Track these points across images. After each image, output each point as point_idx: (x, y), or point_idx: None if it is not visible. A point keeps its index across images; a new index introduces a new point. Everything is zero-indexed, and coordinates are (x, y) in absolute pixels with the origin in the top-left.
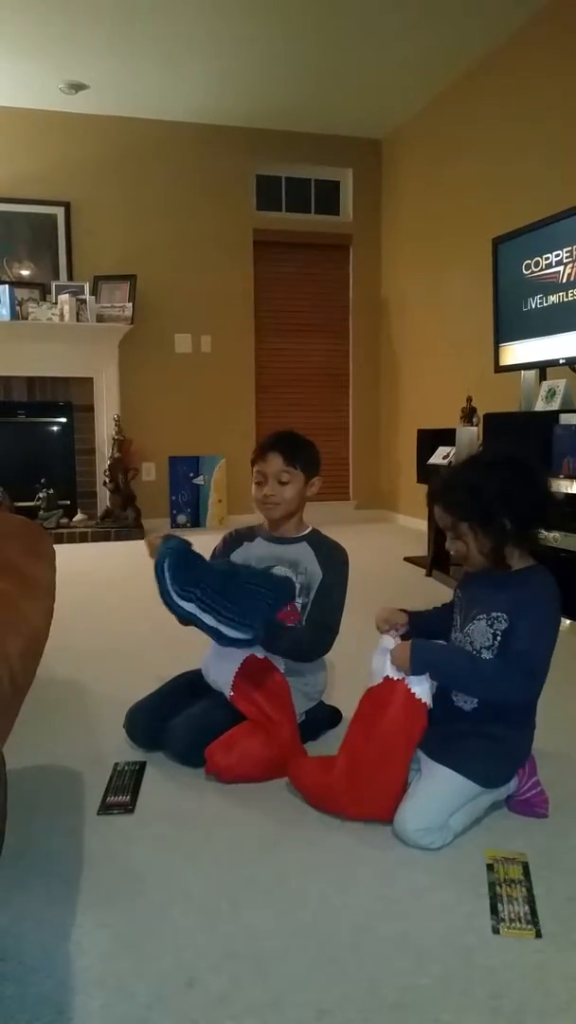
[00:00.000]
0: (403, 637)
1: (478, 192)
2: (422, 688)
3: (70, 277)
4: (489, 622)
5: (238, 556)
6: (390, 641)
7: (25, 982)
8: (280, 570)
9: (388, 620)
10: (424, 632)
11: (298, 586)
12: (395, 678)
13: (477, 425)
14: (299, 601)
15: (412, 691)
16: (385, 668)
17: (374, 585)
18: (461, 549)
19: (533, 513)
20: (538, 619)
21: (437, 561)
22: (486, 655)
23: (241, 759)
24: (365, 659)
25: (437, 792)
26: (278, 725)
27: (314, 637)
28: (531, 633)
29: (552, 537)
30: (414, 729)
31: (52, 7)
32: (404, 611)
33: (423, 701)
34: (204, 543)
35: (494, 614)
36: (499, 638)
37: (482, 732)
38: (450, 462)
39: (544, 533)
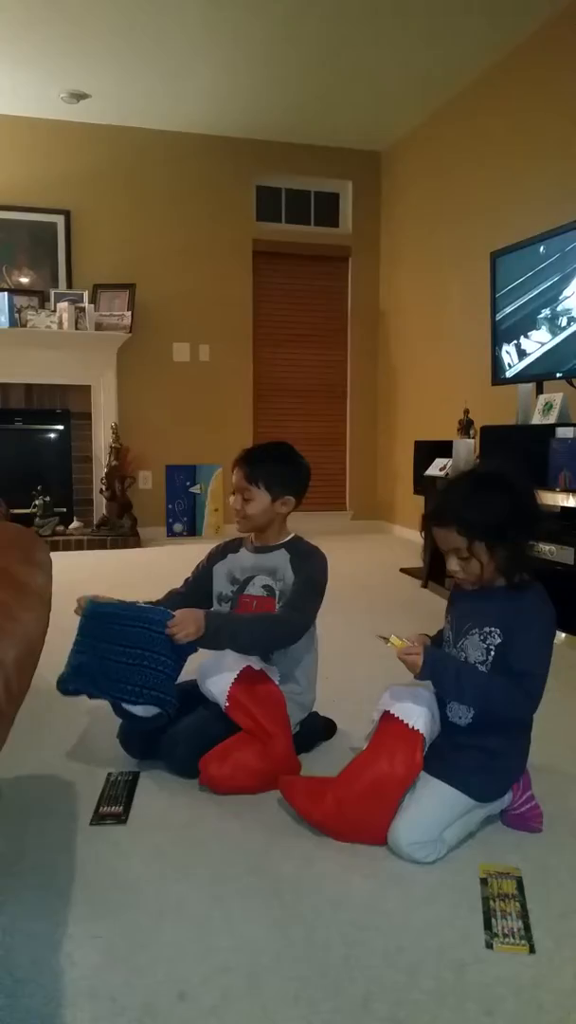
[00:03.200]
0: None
1: (477, 205)
2: (423, 720)
3: (69, 285)
4: (482, 637)
5: (221, 568)
6: (399, 688)
7: (15, 994)
8: (261, 579)
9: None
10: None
11: (278, 593)
12: (393, 712)
13: (474, 437)
14: (279, 608)
15: (412, 725)
16: (388, 702)
17: (369, 596)
18: (474, 569)
19: (534, 526)
20: (536, 637)
21: (433, 572)
22: (480, 670)
23: (236, 770)
24: (371, 669)
25: (431, 806)
26: (273, 737)
27: (283, 614)
28: (531, 653)
29: (548, 550)
30: (410, 774)
31: (54, 17)
32: (427, 636)
33: (421, 733)
34: (200, 552)
35: (487, 629)
36: (492, 653)
37: (477, 746)
38: (447, 474)
39: (540, 546)
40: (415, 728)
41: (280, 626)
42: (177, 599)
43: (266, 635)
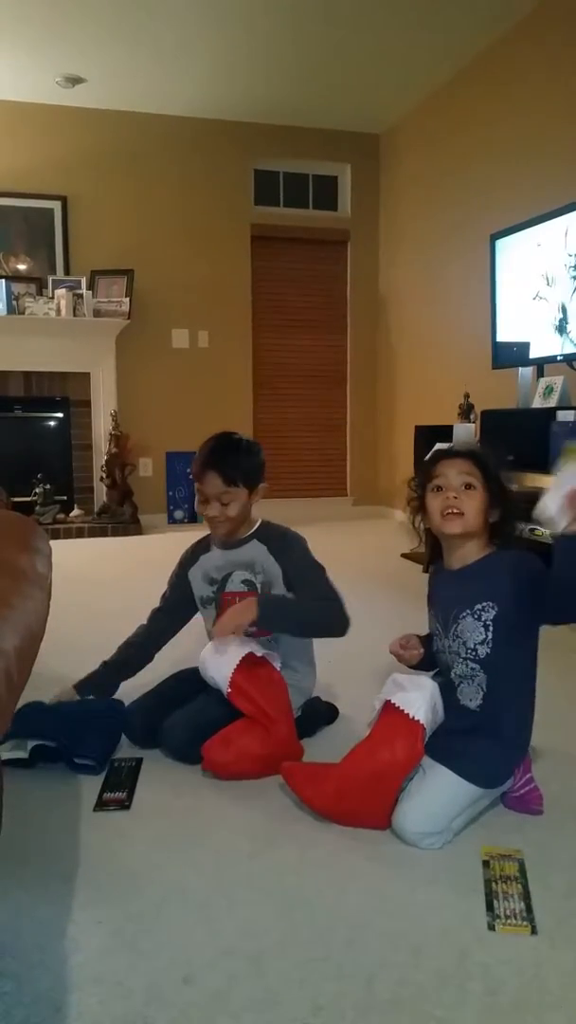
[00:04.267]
0: (418, 665)
1: (476, 187)
2: (423, 711)
3: (67, 271)
4: (476, 615)
5: (196, 571)
6: (401, 677)
7: (22, 979)
8: (239, 574)
9: (404, 647)
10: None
11: (259, 586)
12: (394, 702)
13: (474, 421)
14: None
15: (412, 715)
16: (391, 690)
17: (371, 581)
18: (475, 502)
19: (516, 508)
20: (535, 566)
21: (434, 557)
22: (482, 651)
23: (238, 756)
24: (373, 653)
25: (441, 798)
26: (275, 722)
27: (327, 608)
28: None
29: (544, 532)
30: (410, 763)
31: (50, 0)
32: (418, 637)
33: (422, 723)
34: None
35: (479, 606)
36: (492, 628)
37: (487, 730)
38: None
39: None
40: (416, 719)
41: (331, 620)
42: (160, 617)
43: (322, 626)
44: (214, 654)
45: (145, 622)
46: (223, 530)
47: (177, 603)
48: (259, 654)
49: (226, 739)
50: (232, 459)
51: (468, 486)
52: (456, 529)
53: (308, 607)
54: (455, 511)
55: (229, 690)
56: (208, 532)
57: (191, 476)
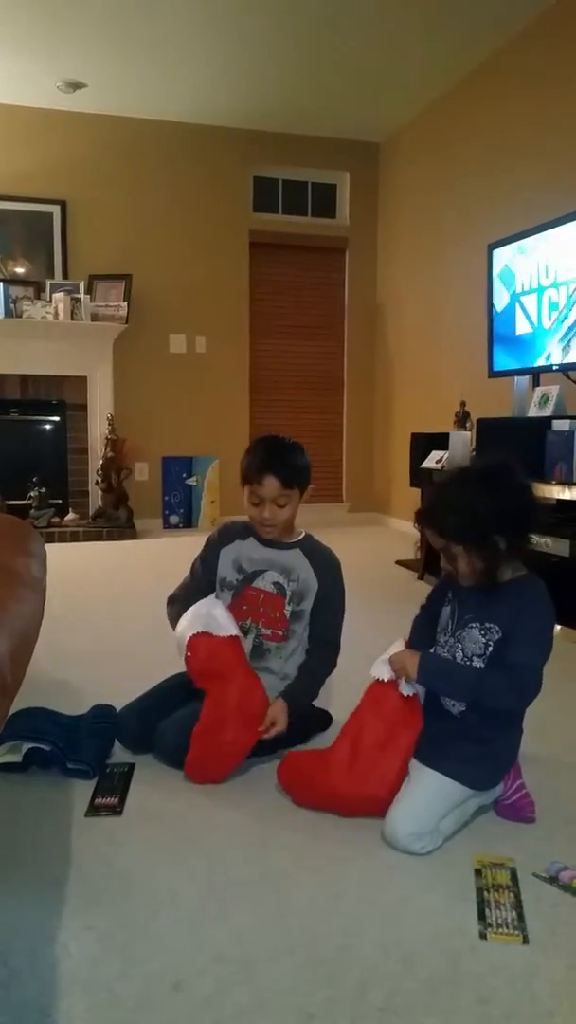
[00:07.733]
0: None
1: (474, 197)
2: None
3: (65, 276)
4: (483, 631)
5: (229, 552)
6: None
7: (10, 985)
8: (272, 575)
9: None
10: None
11: (289, 593)
12: (386, 679)
13: (471, 430)
14: (288, 608)
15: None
16: (382, 672)
17: (366, 589)
18: (462, 568)
19: (524, 525)
20: (534, 633)
21: (429, 565)
22: (476, 663)
23: (211, 748)
24: (368, 661)
25: (426, 796)
26: (229, 681)
27: (325, 660)
28: (527, 647)
29: (543, 543)
30: (414, 717)
31: (51, 5)
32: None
33: (415, 693)
34: (195, 543)
35: (488, 624)
36: (491, 648)
37: (471, 735)
38: (443, 467)
39: (536, 538)
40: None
41: (326, 672)
42: (181, 603)
43: (323, 680)
44: (192, 617)
45: (178, 603)
46: (275, 533)
47: (208, 585)
48: (228, 635)
49: (195, 739)
50: (289, 460)
51: (451, 553)
52: (467, 584)
53: (316, 679)
54: (456, 572)
55: (188, 653)
56: (246, 520)
57: (244, 477)
